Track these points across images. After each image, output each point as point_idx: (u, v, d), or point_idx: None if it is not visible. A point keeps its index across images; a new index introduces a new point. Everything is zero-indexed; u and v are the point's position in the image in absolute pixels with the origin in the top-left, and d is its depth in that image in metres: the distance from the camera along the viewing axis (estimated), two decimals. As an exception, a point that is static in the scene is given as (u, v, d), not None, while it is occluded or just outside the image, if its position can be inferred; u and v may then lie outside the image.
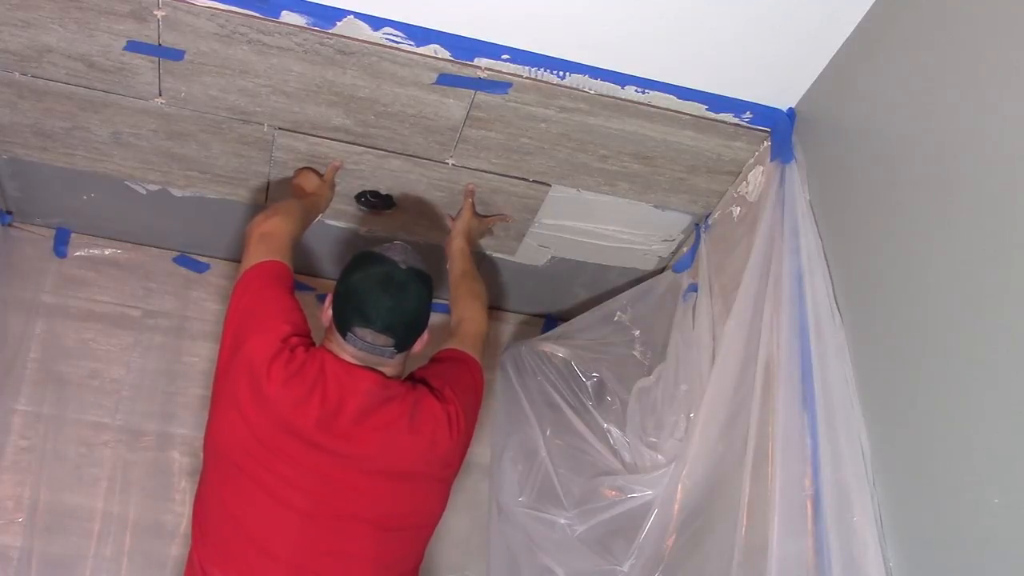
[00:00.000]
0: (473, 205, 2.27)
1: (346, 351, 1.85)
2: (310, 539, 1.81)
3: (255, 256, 1.93)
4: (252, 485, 1.80)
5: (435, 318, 2.00)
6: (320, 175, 2.21)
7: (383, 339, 1.83)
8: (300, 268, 2.64)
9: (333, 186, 2.23)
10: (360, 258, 1.91)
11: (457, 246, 2.24)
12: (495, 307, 2.79)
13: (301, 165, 2.22)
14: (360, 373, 1.83)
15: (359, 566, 1.85)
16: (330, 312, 1.89)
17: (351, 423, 1.81)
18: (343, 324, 1.84)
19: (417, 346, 1.91)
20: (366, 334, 1.82)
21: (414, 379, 1.94)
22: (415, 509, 1.90)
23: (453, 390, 1.92)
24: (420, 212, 2.34)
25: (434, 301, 1.95)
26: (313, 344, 1.88)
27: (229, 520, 1.83)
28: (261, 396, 1.79)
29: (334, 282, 1.92)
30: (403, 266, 1.86)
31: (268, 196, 2.33)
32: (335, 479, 1.82)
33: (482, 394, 2.02)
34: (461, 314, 2.13)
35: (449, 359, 2.02)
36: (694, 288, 2.23)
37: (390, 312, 1.82)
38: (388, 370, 1.87)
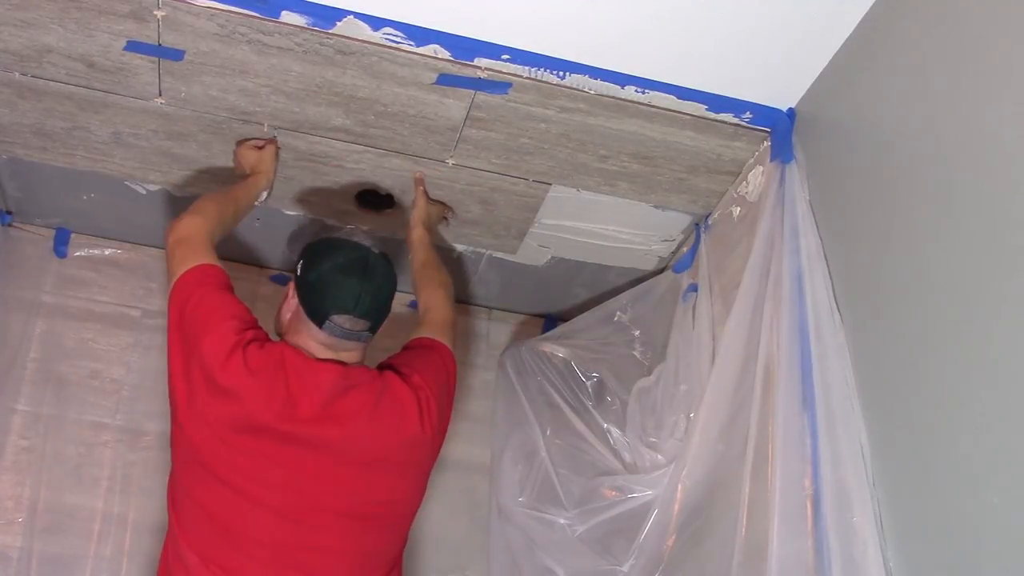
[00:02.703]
0: (426, 192, 2.26)
1: (314, 339, 1.86)
2: (285, 534, 1.80)
3: (177, 267, 1.89)
4: (221, 485, 1.79)
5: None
6: (259, 149, 2.14)
7: (361, 324, 1.85)
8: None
9: (274, 161, 2.15)
10: (325, 246, 1.91)
11: (417, 235, 2.23)
12: (496, 307, 2.79)
13: (239, 141, 2.15)
14: (321, 366, 1.84)
15: (335, 558, 1.84)
16: (294, 303, 1.89)
17: (315, 414, 1.81)
18: (319, 313, 1.84)
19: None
20: (344, 320, 1.83)
21: (382, 367, 1.95)
22: (388, 496, 1.90)
23: (423, 376, 1.93)
24: (420, 212, 2.34)
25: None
26: (267, 338, 1.87)
27: (205, 518, 1.82)
28: (220, 396, 1.78)
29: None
30: (376, 251, 1.89)
31: (268, 196, 2.32)
32: (303, 471, 1.81)
33: (455, 379, 2.03)
34: (427, 303, 2.14)
35: (419, 347, 2.03)
36: (694, 288, 2.23)
37: (369, 297, 1.84)
38: (352, 356, 1.89)
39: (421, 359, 1.99)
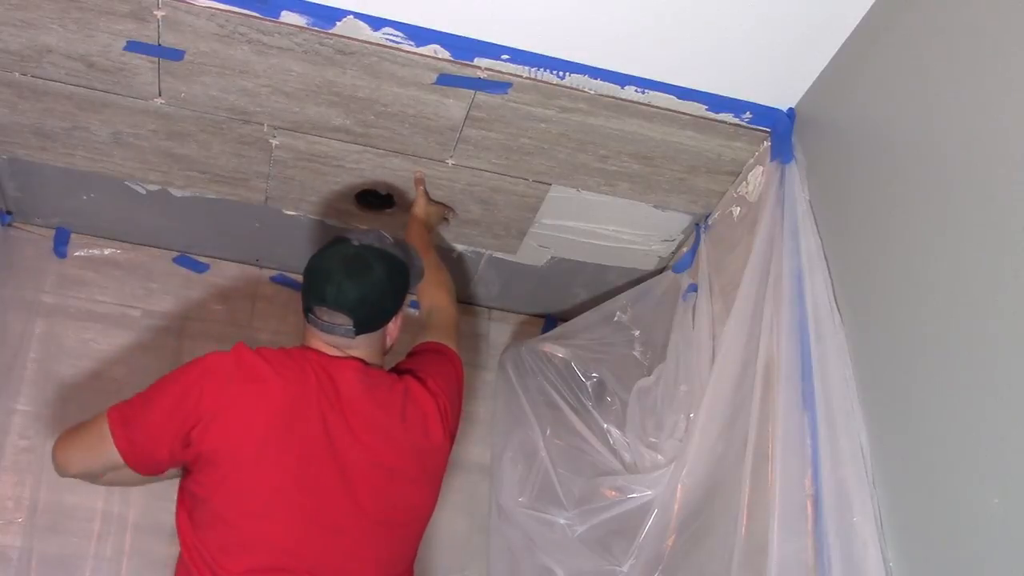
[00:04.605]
0: (426, 191, 2.26)
1: (317, 337, 1.86)
2: (304, 536, 1.79)
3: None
4: (239, 487, 1.78)
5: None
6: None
7: (340, 318, 1.83)
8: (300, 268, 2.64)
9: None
10: (325, 244, 1.93)
11: (417, 234, 2.23)
12: (496, 307, 2.79)
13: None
14: (340, 362, 1.84)
15: (354, 563, 1.84)
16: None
17: (345, 415, 1.80)
18: (304, 305, 1.85)
19: (392, 333, 1.92)
20: (323, 312, 1.83)
21: (399, 371, 1.95)
22: (409, 502, 1.90)
23: (438, 383, 1.93)
24: (420, 212, 2.34)
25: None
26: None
27: (221, 521, 1.79)
28: (248, 394, 1.77)
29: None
30: (355, 243, 1.88)
31: (268, 196, 2.32)
32: (325, 474, 1.80)
33: (464, 383, 2.02)
34: (431, 305, 2.14)
35: (430, 351, 2.03)
36: (694, 288, 2.23)
37: (343, 289, 1.81)
38: (358, 353, 1.87)
39: (434, 364, 1.98)
